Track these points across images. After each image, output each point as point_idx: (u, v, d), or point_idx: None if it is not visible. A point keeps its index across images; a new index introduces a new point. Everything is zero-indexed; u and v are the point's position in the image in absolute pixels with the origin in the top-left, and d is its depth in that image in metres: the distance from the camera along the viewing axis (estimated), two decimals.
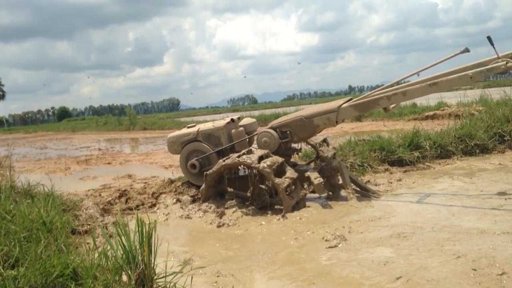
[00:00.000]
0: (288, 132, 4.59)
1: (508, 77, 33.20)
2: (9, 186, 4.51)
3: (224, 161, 4.33)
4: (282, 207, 4.16)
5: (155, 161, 9.50)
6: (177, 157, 5.29)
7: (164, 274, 2.29)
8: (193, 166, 4.88)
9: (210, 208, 4.39)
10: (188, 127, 5.20)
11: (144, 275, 2.22)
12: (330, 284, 2.61)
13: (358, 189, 4.63)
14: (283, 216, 4.01)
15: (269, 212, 4.24)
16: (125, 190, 5.47)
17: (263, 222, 3.99)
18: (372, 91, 4.49)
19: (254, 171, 4.28)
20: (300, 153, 5.23)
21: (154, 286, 2.27)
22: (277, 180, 4.07)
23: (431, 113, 12.81)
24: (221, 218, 4.15)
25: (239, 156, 4.30)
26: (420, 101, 14.11)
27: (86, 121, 50.18)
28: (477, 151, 6.26)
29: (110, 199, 5.08)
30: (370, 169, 5.69)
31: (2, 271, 2.29)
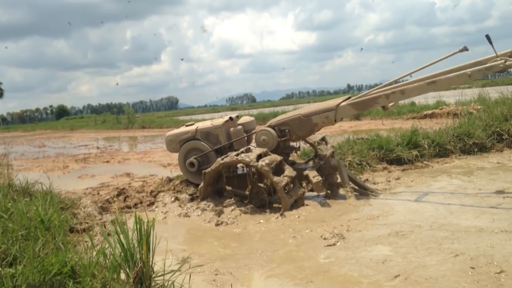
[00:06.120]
0: (286, 130, 4.59)
1: (507, 76, 33.25)
2: (7, 184, 4.50)
3: (222, 159, 4.33)
4: (280, 206, 4.16)
5: (153, 159, 9.49)
6: (175, 155, 5.28)
7: (163, 272, 2.29)
8: (192, 164, 4.87)
9: (208, 206, 4.39)
10: (187, 126, 5.19)
11: (142, 273, 2.22)
12: (328, 282, 2.61)
13: (356, 187, 4.63)
14: (281, 215, 4.01)
15: (268, 210, 4.24)
16: (123, 189, 5.47)
17: (262, 221, 3.99)
18: (371, 90, 4.49)
19: (252, 170, 4.27)
20: (298, 152, 5.23)
21: (152, 284, 2.27)
22: (275, 178, 4.07)
23: (429, 111, 12.82)
24: (219, 216, 4.15)
25: (237, 155, 4.29)
26: (419, 99, 14.12)
27: (84, 119, 50.06)
28: (476, 149, 6.27)
29: (108, 197, 5.08)
30: (368, 167, 5.70)
31: (0, 269, 2.29)
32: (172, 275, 2.29)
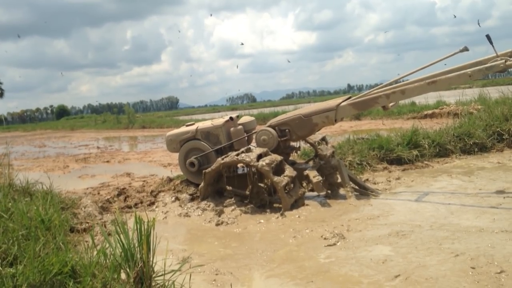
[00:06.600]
0: (287, 130, 4.59)
1: (508, 76, 33.27)
2: (8, 184, 4.50)
3: (222, 159, 4.33)
4: (281, 206, 4.16)
5: (153, 159, 9.49)
6: (176, 155, 5.28)
7: (163, 272, 2.29)
8: (192, 164, 4.87)
9: (208, 206, 4.39)
10: (187, 125, 5.20)
11: (142, 273, 2.22)
12: (328, 282, 2.61)
13: (356, 187, 4.63)
14: (281, 215, 4.01)
15: (268, 210, 4.24)
16: (123, 189, 5.47)
17: (262, 221, 3.99)
18: (371, 90, 4.49)
19: (253, 170, 4.27)
20: (299, 152, 5.23)
21: (153, 284, 2.27)
22: (275, 178, 4.07)
23: (430, 111, 12.82)
24: (219, 216, 4.15)
25: (237, 154, 4.29)
26: (419, 99, 14.12)
27: (84, 119, 50.06)
28: (476, 149, 6.27)
29: (108, 197, 5.08)
30: (368, 167, 5.70)
31: (1, 269, 2.29)
32: (173, 275, 2.29)
